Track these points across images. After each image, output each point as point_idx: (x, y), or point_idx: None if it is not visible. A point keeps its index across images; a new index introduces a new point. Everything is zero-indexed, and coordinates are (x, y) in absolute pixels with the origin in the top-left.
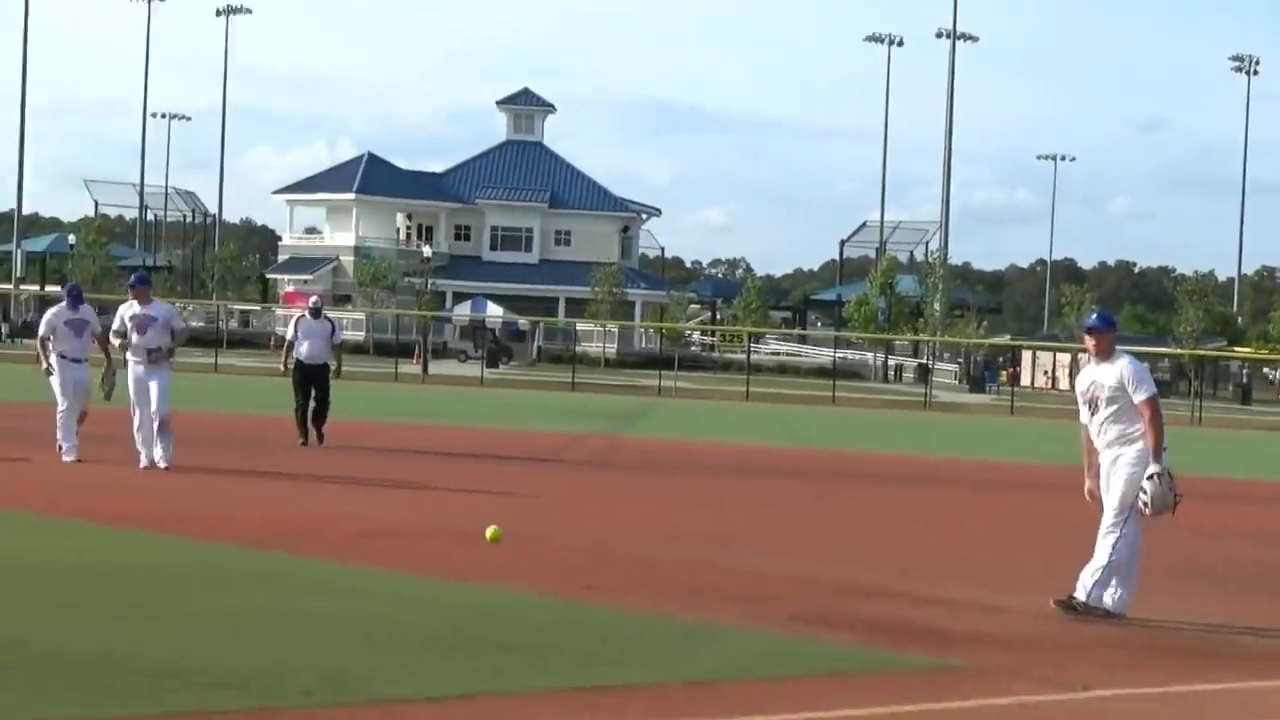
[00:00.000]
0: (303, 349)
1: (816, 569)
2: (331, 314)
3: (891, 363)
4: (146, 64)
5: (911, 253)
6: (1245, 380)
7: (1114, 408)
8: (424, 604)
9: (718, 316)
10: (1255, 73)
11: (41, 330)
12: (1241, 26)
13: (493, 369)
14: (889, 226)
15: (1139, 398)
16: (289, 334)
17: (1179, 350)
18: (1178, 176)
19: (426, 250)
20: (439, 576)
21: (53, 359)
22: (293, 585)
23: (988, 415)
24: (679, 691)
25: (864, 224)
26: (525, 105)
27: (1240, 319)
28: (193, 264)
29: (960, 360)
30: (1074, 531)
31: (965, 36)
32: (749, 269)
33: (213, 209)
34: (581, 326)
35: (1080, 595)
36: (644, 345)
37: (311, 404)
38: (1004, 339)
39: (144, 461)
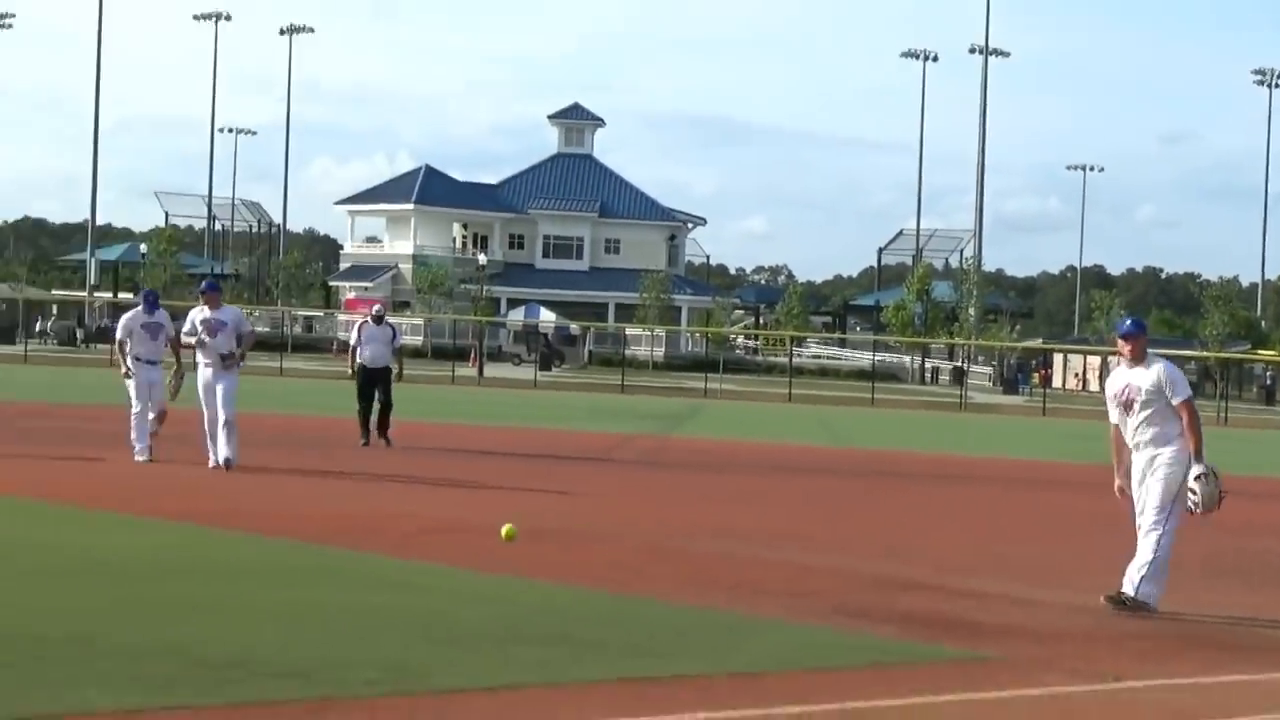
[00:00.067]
0: (365, 353)
1: (857, 564)
2: (391, 319)
3: (928, 365)
4: (214, 81)
5: (947, 260)
6: (1269, 382)
7: (1149, 410)
8: (480, 598)
9: (761, 321)
10: (1277, 85)
11: (119, 334)
12: (1263, 41)
13: (545, 372)
14: (925, 234)
15: (1177, 400)
16: (352, 339)
17: (1205, 353)
18: (1202, 186)
19: (482, 258)
20: (495, 571)
21: (129, 361)
22: (355, 580)
23: (1021, 416)
24: (725, 683)
25: (901, 232)
26: (576, 119)
27: (1264, 323)
28: (258, 272)
29: (994, 363)
30: (1104, 527)
31: (997, 52)
32: (790, 275)
33: (277, 219)
34: (630, 331)
35: (1129, 591)
36: (690, 349)
37: (375, 408)
38: (1036, 343)
39: (214, 461)
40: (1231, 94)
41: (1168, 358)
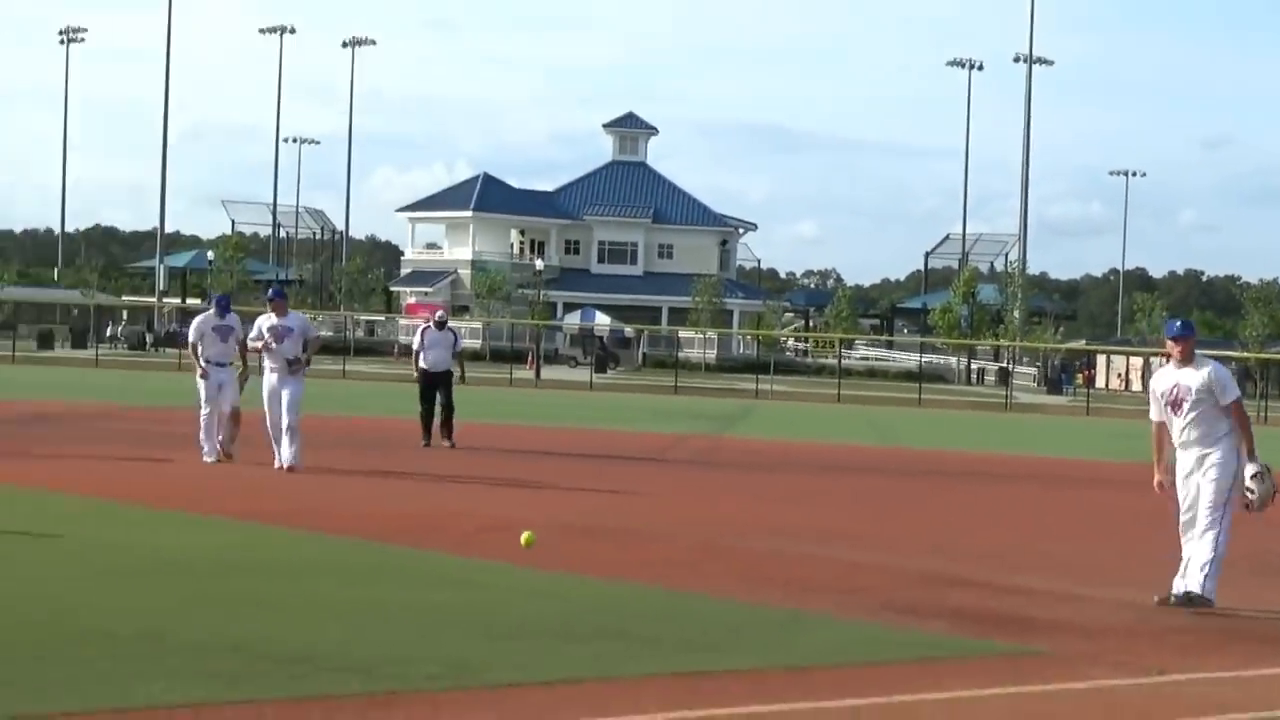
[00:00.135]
0: (428, 358)
1: (905, 561)
2: (450, 323)
3: (974, 366)
4: (279, 92)
5: (992, 263)
6: None
7: (1198, 410)
8: (538, 594)
9: (810, 324)
10: None
11: (191, 336)
12: None
13: (601, 374)
14: (970, 239)
15: (1226, 400)
16: (415, 343)
17: (1245, 354)
18: (1242, 190)
19: (539, 263)
20: (552, 569)
21: (200, 366)
22: (416, 577)
23: (1065, 416)
24: (777, 677)
25: (947, 236)
26: (630, 128)
27: None
28: (321, 278)
29: (1039, 364)
30: (1147, 524)
31: (1041, 60)
32: (839, 279)
33: (340, 226)
34: (683, 334)
35: (1195, 589)
36: (742, 351)
37: (438, 412)
38: (1080, 344)
39: (279, 463)
40: (1271, 99)
41: (1214, 358)
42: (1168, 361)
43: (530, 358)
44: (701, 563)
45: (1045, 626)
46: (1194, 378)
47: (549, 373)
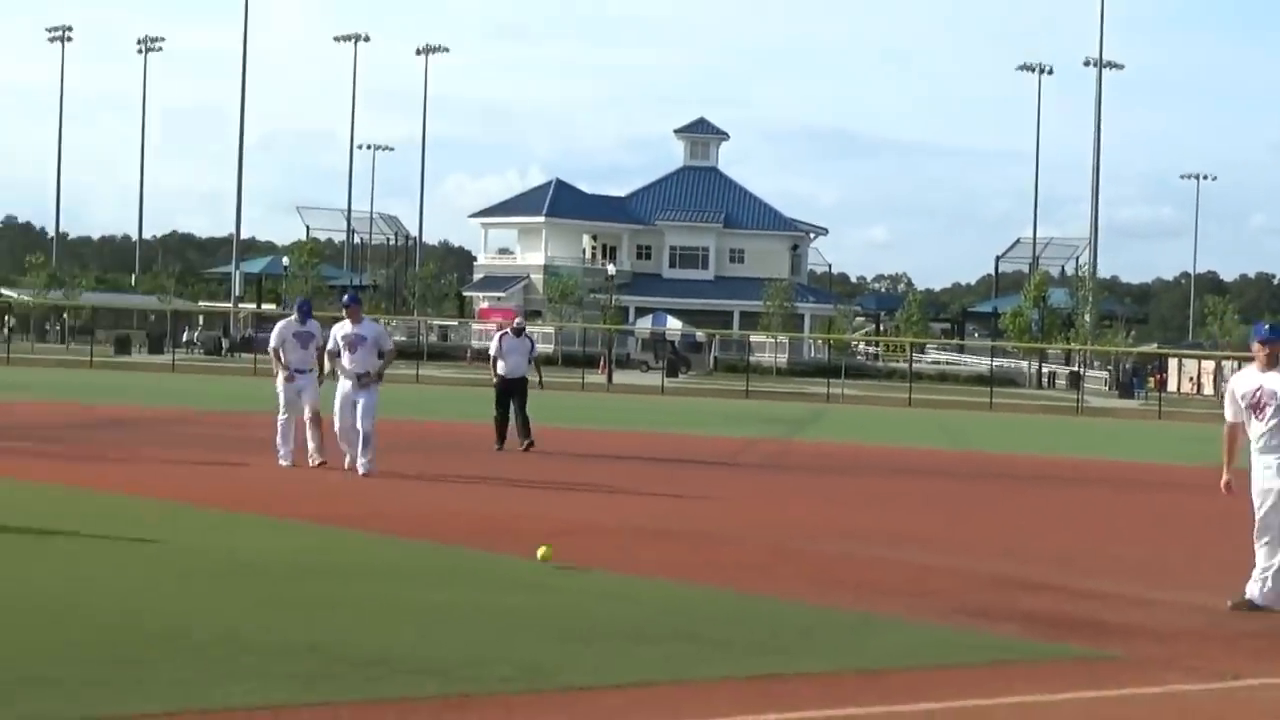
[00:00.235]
0: (505, 364)
1: (976, 564)
2: (527, 329)
3: (1045, 370)
4: (353, 99)
5: (1063, 267)
6: None
7: None
8: (611, 597)
9: (881, 328)
10: None
11: (273, 341)
12: None
13: (672, 378)
14: (1041, 243)
15: None
16: (492, 349)
17: None
18: None
19: (610, 268)
20: (625, 572)
21: (281, 371)
22: (489, 581)
23: (1136, 419)
24: (849, 680)
25: (1018, 240)
26: (701, 133)
27: None
28: (395, 283)
29: (1110, 368)
30: (1219, 528)
31: (1111, 64)
32: (910, 283)
33: (413, 232)
34: (755, 338)
35: (1254, 596)
36: (813, 355)
37: (514, 417)
38: (1151, 347)
39: (349, 463)
40: None
41: None
42: (1253, 364)
43: (602, 362)
44: (772, 566)
45: (1118, 630)
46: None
47: (621, 377)
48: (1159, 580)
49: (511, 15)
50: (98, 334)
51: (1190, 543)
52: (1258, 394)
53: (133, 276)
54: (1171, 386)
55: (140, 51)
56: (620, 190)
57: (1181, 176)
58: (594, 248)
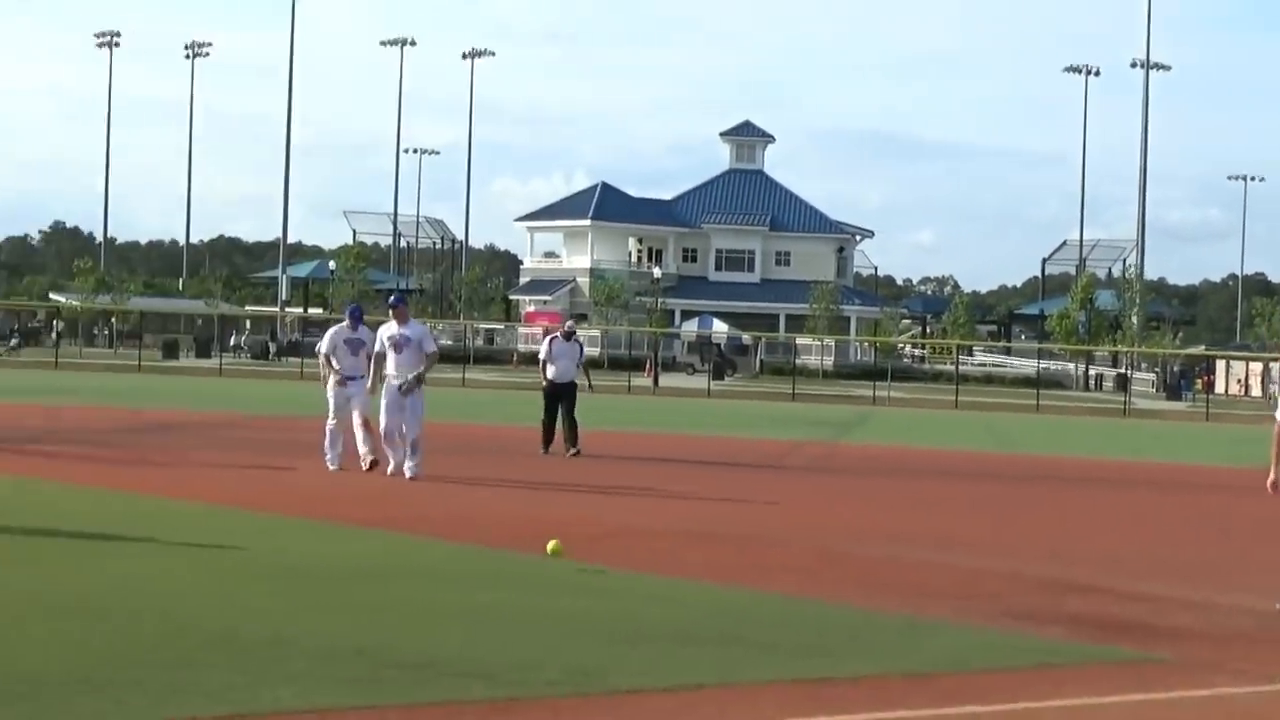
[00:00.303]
0: (554, 367)
1: (1024, 566)
2: (578, 334)
3: (1092, 372)
4: (400, 103)
5: (1110, 269)
6: None
7: None
8: (658, 600)
9: (928, 330)
10: None
11: (324, 347)
12: None
13: (718, 381)
14: (1088, 245)
15: None
16: (542, 353)
17: None
18: None
19: (656, 271)
20: (671, 575)
21: (331, 378)
22: (536, 583)
23: (1184, 421)
24: (896, 683)
25: (1064, 243)
26: (746, 136)
27: None
28: (441, 287)
29: (1157, 370)
30: (1268, 530)
31: (1158, 66)
32: (956, 286)
33: (460, 236)
34: (801, 341)
35: None
36: (859, 358)
37: (562, 422)
38: (1198, 349)
39: (391, 465)
40: None
41: None
42: None
43: (648, 365)
44: (819, 569)
45: (1165, 633)
46: None
47: (667, 380)
48: (1207, 582)
49: (557, 19)
50: (145, 338)
51: (1238, 545)
52: None
53: (180, 281)
54: (1219, 388)
55: (188, 57)
56: (666, 193)
57: (1229, 178)
58: (640, 251)
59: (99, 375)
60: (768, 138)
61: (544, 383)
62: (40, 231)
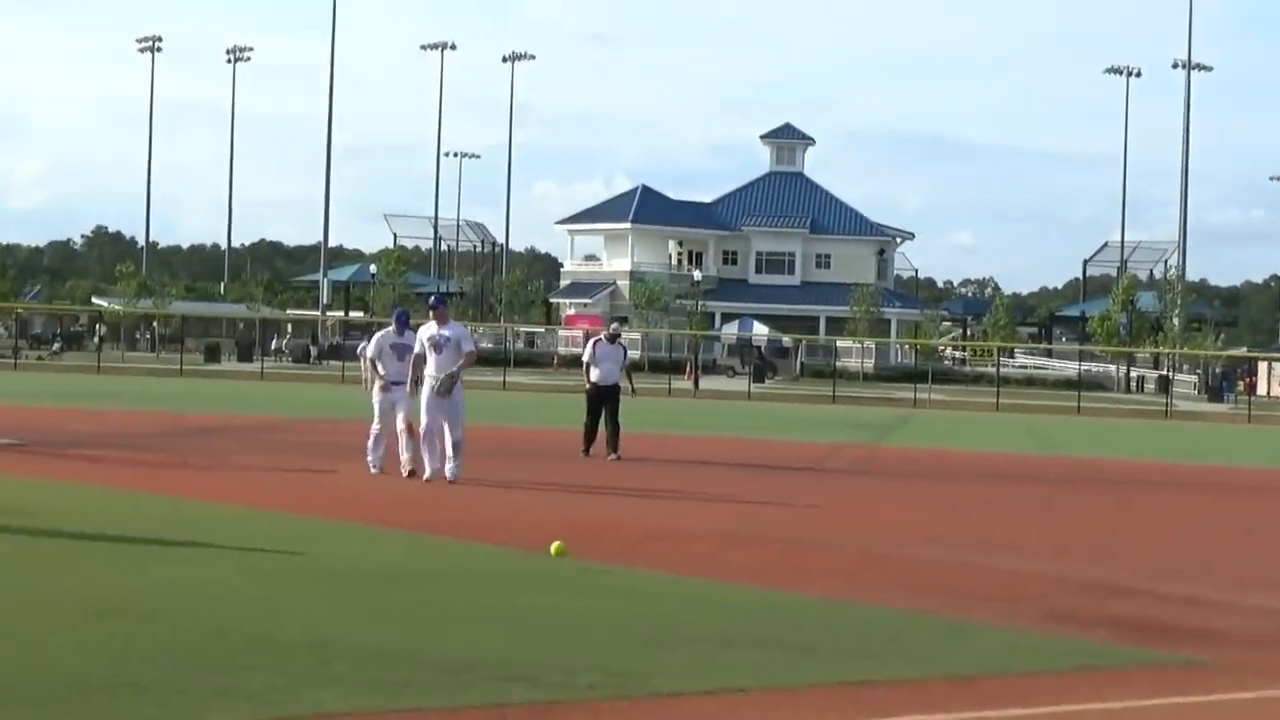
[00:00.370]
0: (598, 370)
1: (1066, 569)
2: (622, 337)
3: (1133, 374)
4: (440, 107)
5: (1151, 270)
6: None
7: None
8: (698, 603)
9: (968, 332)
10: None
11: (370, 351)
12: None
13: (759, 384)
14: (1129, 246)
15: None
16: (585, 355)
17: None
18: None
19: (697, 274)
20: (712, 577)
21: (377, 383)
22: (577, 586)
23: (1226, 423)
24: (938, 686)
25: (1105, 244)
26: (786, 139)
27: None
28: (482, 290)
29: (1199, 371)
30: None
31: (1200, 67)
32: (997, 288)
33: (500, 239)
34: (841, 343)
35: None
36: (900, 360)
37: (604, 424)
38: (1241, 351)
39: (426, 473)
40: None
41: None
42: None
43: (688, 368)
44: (860, 571)
45: (1207, 636)
46: None
47: (707, 383)
48: (1249, 585)
49: (597, 22)
50: (187, 342)
51: None
52: None
53: (222, 285)
54: (1261, 390)
55: (229, 61)
56: (706, 196)
57: (1271, 178)
58: (680, 254)
59: (141, 379)
60: (808, 140)
61: (587, 385)
62: (83, 236)
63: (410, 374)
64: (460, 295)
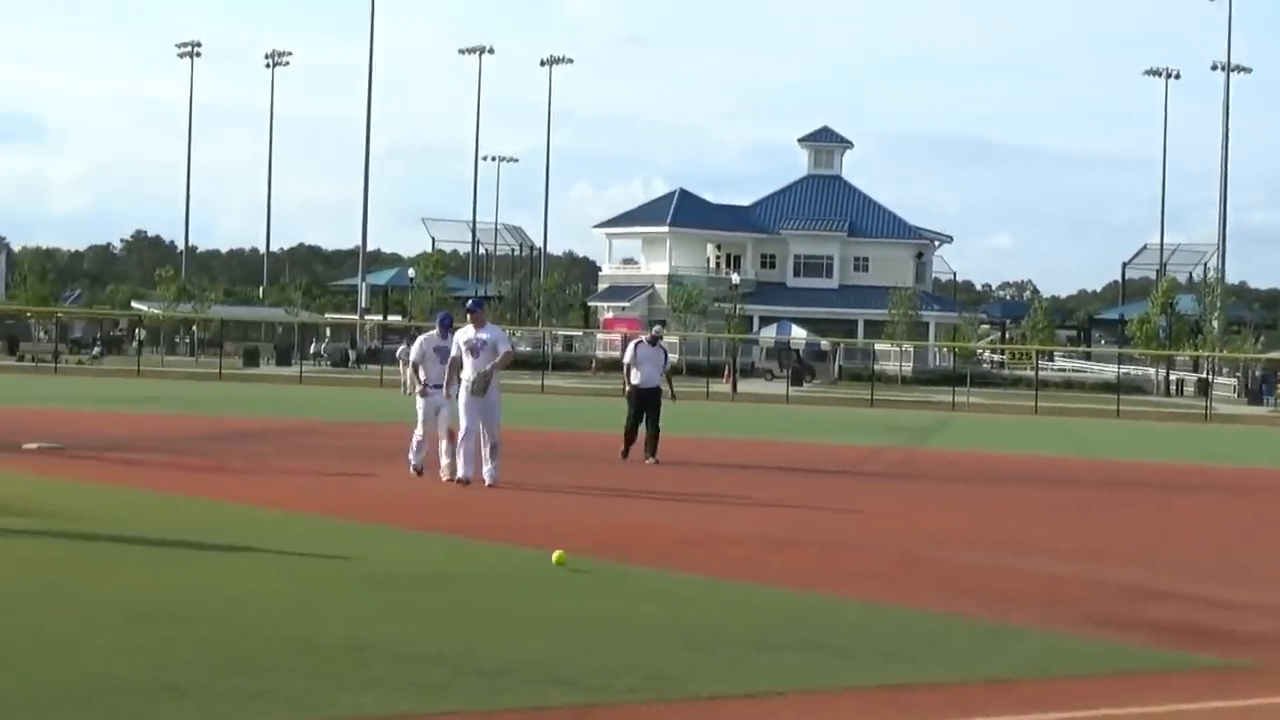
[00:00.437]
0: (639, 372)
1: (1105, 572)
2: (665, 342)
3: (1172, 377)
4: (478, 111)
5: (1190, 273)
6: None
7: None
8: (736, 606)
9: (1007, 336)
10: None
11: (413, 355)
12: None
13: (797, 387)
14: (1168, 249)
15: None
16: (626, 357)
17: None
18: None
19: (735, 278)
20: (750, 580)
21: (420, 386)
22: (615, 590)
23: (1266, 426)
24: (977, 690)
25: (1144, 247)
26: (825, 142)
27: None
28: (520, 293)
29: (1238, 374)
30: None
31: (1239, 68)
32: (1035, 291)
33: (538, 243)
34: (879, 346)
35: None
36: (938, 363)
37: (644, 428)
38: None
39: (460, 474)
40: None
41: None
42: None
43: (726, 371)
44: (898, 575)
45: (1248, 639)
46: None
47: (745, 386)
48: None
49: (635, 25)
50: (226, 346)
51: None
52: None
53: (260, 289)
54: None
55: (268, 66)
56: (744, 199)
57: None
58: (718, 257)
59: (180, 383)
60: (846, 143)
61: (628, 387)
62: (122, 240)
63: (446, 377)
64: (498, 299)
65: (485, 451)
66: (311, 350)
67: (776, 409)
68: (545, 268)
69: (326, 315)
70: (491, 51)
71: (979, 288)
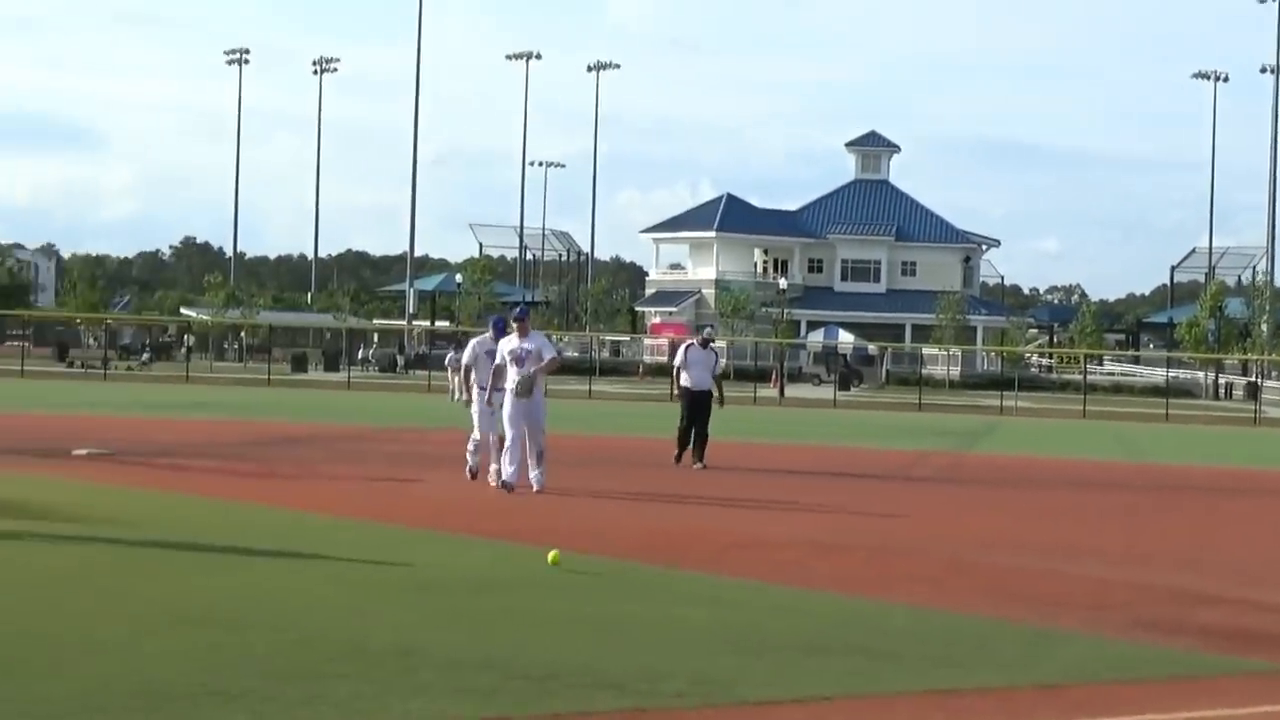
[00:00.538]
0: (689, 375)
1: (1154, 577)
2: (714, 344)
3: (1221, 381)
4: (525, 117)
5: (1239, 276)
6: None
7: None
8: (784, 611)
9: (1055, 339)
10: None
11: (465, 359)
12: None
13: (844, 391)
14: (1217, 252)
15: None
16: (677, 360)
17: None
18: None
19: (782, 282)
20: (798, 585)
21: (474, 391)
22: (661, 594)
23: None
24: (1025, 695)
25: (1193, 250)
26: (872, 146)
27: None
28: (567, 299)
29: None
30: None
31: None
32: (1083, 294)
33: (585, 248)
34: (927, 351)
35: None
36: (986, 368)
37: (693, 434)
38: None
39: (506, 474)
40: None
41: None
42: None
43: (774, 376)
44: (946, 579)
45: None
46: None
47: (793, 391)
48: None
49: (682, 30)
50: (274, 352)
51: None
52: None
53: (308, 295)
54: None
55: (315, 72)
56: (791, 204)
57: None
58: (765, 262)
59: (229, 389)
60: (893, 148)
61: (678, 390)
62: (171, 247)
63: (490, 385)
64: (546, 304)
65: (531, 458)
66: (359, 356)
67: (824, 413)
68: (592, 273)
69: (374, 321)
70: (539, 57)
71: (1026, 291)
